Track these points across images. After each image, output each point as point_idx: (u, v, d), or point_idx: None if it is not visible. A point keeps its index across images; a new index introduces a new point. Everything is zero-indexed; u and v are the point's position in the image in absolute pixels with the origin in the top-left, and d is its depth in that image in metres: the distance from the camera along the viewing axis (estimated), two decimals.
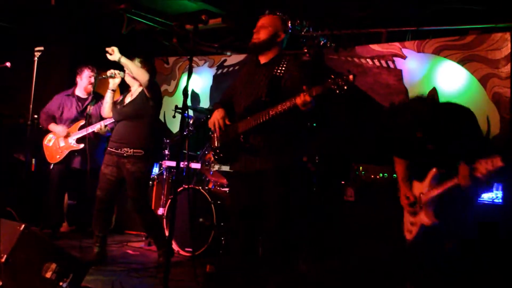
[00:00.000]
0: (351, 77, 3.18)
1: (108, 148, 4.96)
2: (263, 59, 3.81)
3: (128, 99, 5.00)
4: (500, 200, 5.10)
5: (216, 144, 3.90)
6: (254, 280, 3.71)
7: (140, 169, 4.82)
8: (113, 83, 5.09)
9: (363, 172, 5.34)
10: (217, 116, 3.83)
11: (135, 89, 5.01)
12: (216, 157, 3.98)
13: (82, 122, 5.94)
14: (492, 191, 5.13)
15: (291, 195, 3.66)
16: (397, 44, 6.34)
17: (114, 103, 5.07)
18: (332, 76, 3.22)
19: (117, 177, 4.89)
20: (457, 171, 3.34)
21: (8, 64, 5.50)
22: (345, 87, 3.19)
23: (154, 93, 4.88)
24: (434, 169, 3.60)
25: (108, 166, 4.91)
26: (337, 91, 3.20)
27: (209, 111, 6.36)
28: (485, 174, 3.14)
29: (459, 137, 3.51)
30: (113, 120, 5.23)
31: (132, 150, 4.79)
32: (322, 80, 3.28)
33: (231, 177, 4.06)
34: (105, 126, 5.47)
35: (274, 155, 3.62)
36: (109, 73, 5.07)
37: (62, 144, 5.93)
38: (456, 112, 3.63)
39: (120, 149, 4.82)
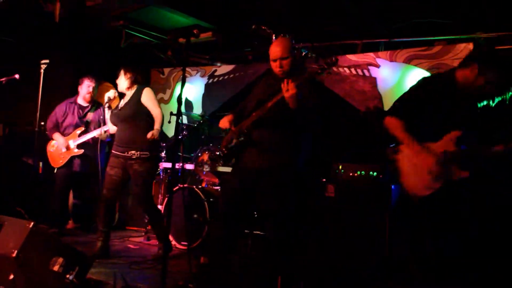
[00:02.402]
0: (334, 59, 3.29)
1: (113, 151, 4.94)
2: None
3: (122, 102, 5.03)
4: None
5: (224, 143, 3.88)
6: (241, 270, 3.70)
7: (147, 169, 4.85)
8: (109, 101, 5.12)
9: (342, 171, 5.33)
10: (225, 119, 3.83)
11: (128, 94, 5.03)
12: (221, 155, 3.90)
13: (82, 129, 5.90)
14: None
15: (289, 193, 3.63)
16: (371, 54, 6.37)
17: (112, 110, 5.08)
18: (314, 66, 3.35)
19: (122, 178, 4.91)
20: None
21: (17, 76, 5.47)
22: (328, 70, 3.33)
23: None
24: (456, 132, 3.54)
25: (113, 168, 4.90)
26: (321, 72, 3.33)
27: (202, 117, 6.36)
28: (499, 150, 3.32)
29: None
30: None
31: (139, 152, 4.80)
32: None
33: (231, 173, 3.97)
34: (105, 132, 5.43)
35: (273, 153, 3.61)
36: (111, 96, 5.10)
37: (64, 150, 5.89)
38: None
39: (127, 152, 4.83)
